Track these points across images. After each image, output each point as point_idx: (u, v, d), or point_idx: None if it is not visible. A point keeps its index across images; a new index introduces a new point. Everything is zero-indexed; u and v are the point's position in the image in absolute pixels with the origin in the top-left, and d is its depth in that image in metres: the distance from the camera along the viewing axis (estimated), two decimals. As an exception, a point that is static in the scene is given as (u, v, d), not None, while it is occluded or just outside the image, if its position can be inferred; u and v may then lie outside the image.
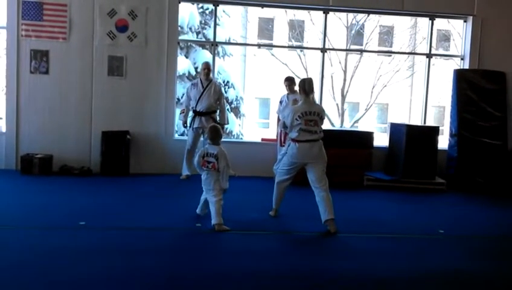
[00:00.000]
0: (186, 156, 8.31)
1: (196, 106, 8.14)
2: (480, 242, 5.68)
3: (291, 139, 5.82)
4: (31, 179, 7.88)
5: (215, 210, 5.50)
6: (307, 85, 5.81)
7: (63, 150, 8.50)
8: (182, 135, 9.78)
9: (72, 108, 8.58)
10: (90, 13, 8.52)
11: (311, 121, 5.71)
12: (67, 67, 8.53)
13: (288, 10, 15.40)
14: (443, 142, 9.17)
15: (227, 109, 15.21)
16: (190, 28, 14.69)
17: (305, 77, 6.29)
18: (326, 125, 14.13)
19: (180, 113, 8.48)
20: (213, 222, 5.48)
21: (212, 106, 8.19)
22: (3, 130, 8.64)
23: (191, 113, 8.30)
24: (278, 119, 8.25)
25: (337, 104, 17.61)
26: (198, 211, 5.98)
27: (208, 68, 8.29)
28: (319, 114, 5.78)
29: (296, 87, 7.81)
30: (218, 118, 8.30)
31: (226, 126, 8.58)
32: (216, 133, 5.73)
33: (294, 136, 5.76)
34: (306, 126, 5.68)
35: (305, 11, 14.16)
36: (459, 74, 8.96)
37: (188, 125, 8.30)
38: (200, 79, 8.30)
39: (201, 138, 8.24)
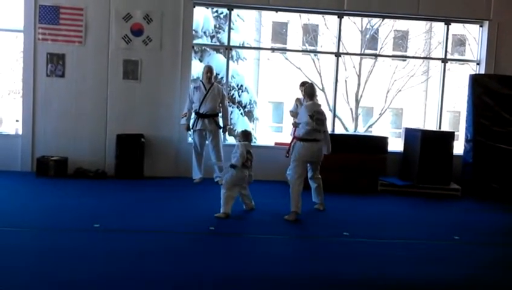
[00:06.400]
0: (196, 158, 8.36)
1: (199, 108, 8.19)
2: (496, 249, 5.62)
3: (298, 138, 6.29)
4: (46, 181, 7.94)
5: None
6: (309, 89, 6.49)
7: (78, 152, 8.56)
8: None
9: (87, 111, 8.64)
10: (106, 17, 8.59)
11: (319, 120, 6.30)
12: (83, 71, 8.60)
13: (302, 14, 15.38)
14: (458, 147, 9.07)
15: (241, 113, 15.34)
16: (204, 32, 14.71)
17: (309, 82, 7.06)
18: (340, 130, 14.33)
19: (182, 117, 8.48)
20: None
21: (216, 108, 8.28)
22: (20, 132, 8.73)
23: (193, 115, 8.35)
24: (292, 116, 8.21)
25: (351, 109, 17.55)
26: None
27: (210, 72, 8.36)
28: (323, 114, 6.42)
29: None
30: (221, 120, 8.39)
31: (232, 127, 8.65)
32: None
33: (302, 134, 6.27)
34: (316, 126, 6.22)
35: (320, 15, 14.13)
36: (475, 79, 8.87)
37: (190, 126, 8.35)
38: (202, 82, 8.34)
39: (207, 141, 8.30)
